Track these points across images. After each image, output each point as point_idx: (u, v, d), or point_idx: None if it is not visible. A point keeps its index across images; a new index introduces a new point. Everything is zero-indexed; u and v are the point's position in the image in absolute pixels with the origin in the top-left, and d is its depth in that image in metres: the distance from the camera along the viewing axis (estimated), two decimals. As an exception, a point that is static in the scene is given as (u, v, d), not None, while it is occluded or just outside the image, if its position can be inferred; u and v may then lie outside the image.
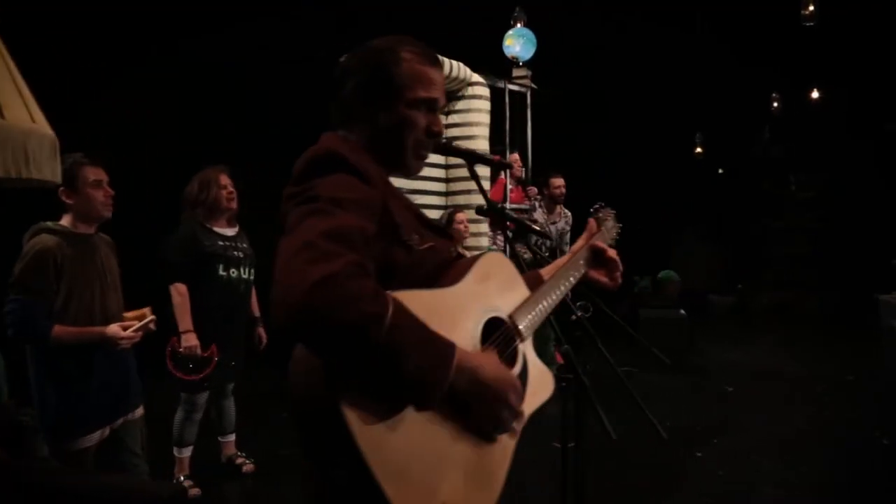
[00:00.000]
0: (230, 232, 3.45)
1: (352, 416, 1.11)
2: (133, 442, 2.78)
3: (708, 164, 9.18)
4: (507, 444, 1.38)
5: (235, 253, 3.39)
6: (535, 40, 5.99)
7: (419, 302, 1.23)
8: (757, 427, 4.53)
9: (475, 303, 1.36)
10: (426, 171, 5.03)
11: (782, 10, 7.26)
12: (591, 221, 1.83)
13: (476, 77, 5.13)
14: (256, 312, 3.63)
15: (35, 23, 4.33)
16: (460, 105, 5.14)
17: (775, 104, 9.32)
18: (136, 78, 4.96)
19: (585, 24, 7.60)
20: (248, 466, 3.67)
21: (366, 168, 1.26)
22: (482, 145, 5.13)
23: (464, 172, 5.15)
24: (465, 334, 1.31)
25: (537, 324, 1.48)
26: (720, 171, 10.87)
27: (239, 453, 3.69)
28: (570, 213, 6.11)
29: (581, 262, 1.69)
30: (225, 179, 3.40)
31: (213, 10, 5.19)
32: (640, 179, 8.61)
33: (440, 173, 5.20)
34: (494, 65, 5.96)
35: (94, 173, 2.61)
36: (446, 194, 5.23)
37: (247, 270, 3.45)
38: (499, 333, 1.39)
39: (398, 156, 1.40)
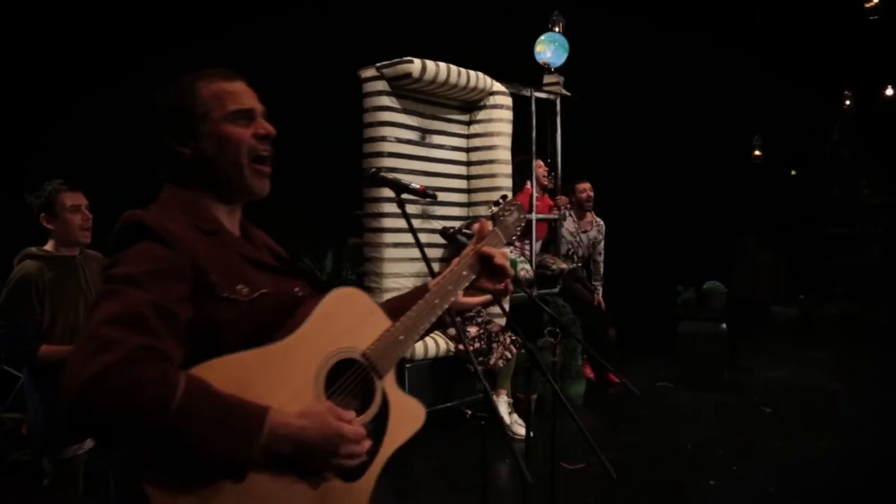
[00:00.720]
0: None
1: (156, 496, 1.10)
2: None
3: (768, 167, 8.71)
4: (359, 490, 1.35)
5: None
6: (567, 46, 5.83)
7: (237, 367, 1.20)
8: (787, 455, 4.25)
9: (316, 349, 1.32)
10: (446, 182, 5.02)
11: (845, 4, 6.83)
12: (483, 223, 1.70)
13: (498, 86, 5.06)
14: None
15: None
16: (482, 115, 5.08)
17: (847, 102, 8.76)
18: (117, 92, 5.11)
19: (631, 23, 7.36)
20: None
21: (170, 230, 1.24)
22: (503, 155, 5.05)
23: (486, 183, 5.10)
24: (301, 387, 1.28)
25: (399, 355, 1.43)
26: (793, 172, 10.31)
27: None
28: (602, 222, 5.94)
29: (465, 272, 1.60)
30: None
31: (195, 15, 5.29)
32: (690, 186, 8.27)
33: (462, 184, 5.16)
34: (527, 70, 5.86)
35: (71, 199, 2.74)
36: (468, 205, 5.18)
37: None
38: (346, 377, 1.35)
39: (237, 176, 1.37)
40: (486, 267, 1.62)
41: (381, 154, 4.60)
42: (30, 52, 4.64)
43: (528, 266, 5.44)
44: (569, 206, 5.77)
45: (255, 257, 1.39)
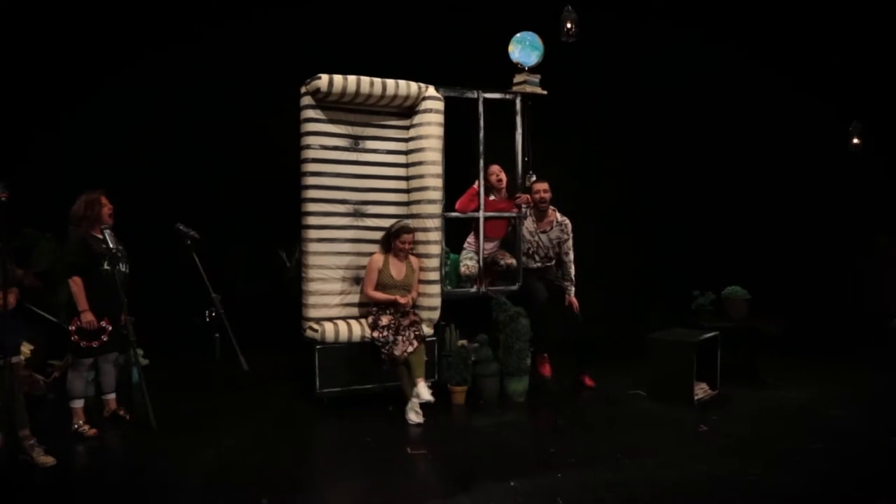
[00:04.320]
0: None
1: None
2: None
3: (872, 156, 7.18)
4: None
5: (116, 253, 4.51)
6: (538, 45, 5.80)
7: None
8: (647, 468, 3.93)
9: None
10: (379, 184, 5.47)
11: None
12: None
13: (431, 91, 5.34)
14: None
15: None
16: (416, 119, 5.42)
17: None
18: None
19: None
20: (128, 416, 4.80)
21: None
22: (431, 157, 5.32)
23: (417, 184, 5.42)
24: None
25: None
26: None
27: (119, 407, 4.80)
28: (567, 221, 5.78)
29: None
30: (105, 199, 4.55)
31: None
32: (760, 181, 7.32)
33: (401, 185, 5.53)
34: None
35: None
36: (408, 203, 5.52)
37: (125, 265, 4.59)
38: None
39: None
40: None
41: (306, 160, 5.25)
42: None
43: (470, 262, 5.62)
44: (530, 205, 5.73)
45: None
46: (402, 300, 5.15)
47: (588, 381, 5.79)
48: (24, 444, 4.05)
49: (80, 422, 4.56)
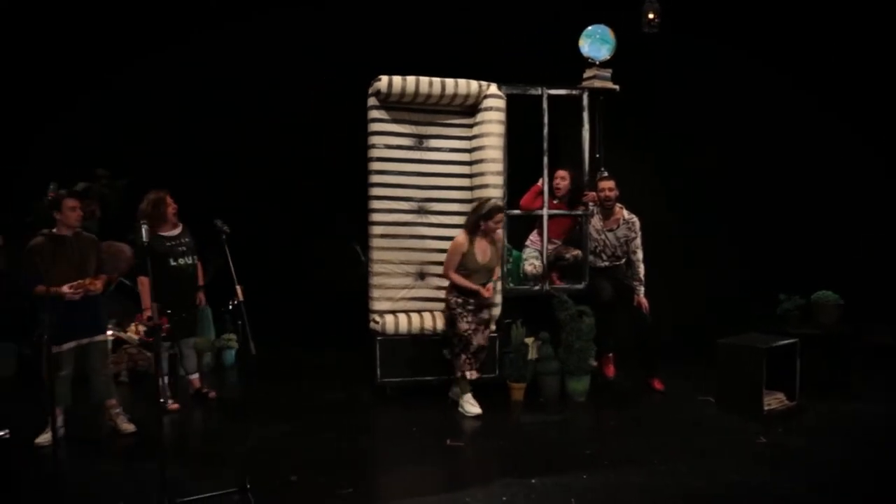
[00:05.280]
0: (175, 232, 5.00)
1: None
2: (95, 359, 4.58)
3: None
4: None
5: (181, 248, 4.95)
6: (609, 38, 5.64)
7: None
8: (678, 474, 3.80)
9: None
10: (443, 181, 5.59)
11: None
12: None
13: (493, 89, 5.39)
14: (201, 282, 5.16)
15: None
16: (479, 117, 5.49)
17: None
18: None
19: None
20: (212, 394, 5.26)
21: None
22: (491, 154, 5.37)
23: (479, 181, 5.49)
24: None
25: None
26: None
27: (202, 386, 5.25)
28: (635, 220, 5.59)
29: None
30: (170, 199, 4.94)
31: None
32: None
33: (464, 182, 5.61)
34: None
35: (70, 203, 4.46)
36: (471, 201, 5.58)
37: (191, 258, 5.01)
38: None
39: None
40: None
41: (371, 158, 5.49)
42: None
43: (536, 261, 5.61)
44: (596, 202, 5.61)
45: None
46: (485, 293, 5.04)
47: (657, 385, 5.59)
48: (111, 412, 4.62)
49: (165, 396, 5.10)
